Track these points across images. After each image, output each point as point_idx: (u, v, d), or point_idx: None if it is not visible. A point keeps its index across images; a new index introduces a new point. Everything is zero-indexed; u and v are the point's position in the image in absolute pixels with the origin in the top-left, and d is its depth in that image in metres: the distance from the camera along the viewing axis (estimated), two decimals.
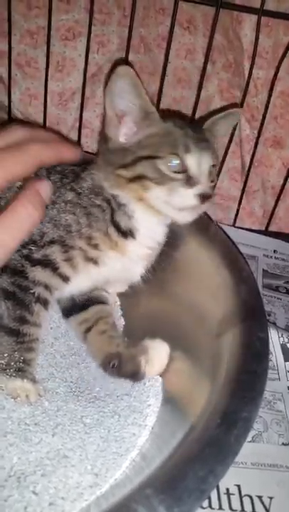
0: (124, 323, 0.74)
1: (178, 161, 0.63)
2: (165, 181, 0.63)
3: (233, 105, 0.90)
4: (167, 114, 0.69)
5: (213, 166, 0.66)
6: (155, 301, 0.70)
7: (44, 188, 0.53)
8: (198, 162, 0.64)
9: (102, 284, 0.71)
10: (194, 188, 0.63)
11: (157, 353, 0.62)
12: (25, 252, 0.63)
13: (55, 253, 0.63)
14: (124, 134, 0.66)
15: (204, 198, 0.62)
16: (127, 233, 0.66)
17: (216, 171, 0.69)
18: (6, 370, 0.58)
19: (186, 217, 0.65)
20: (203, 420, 0.46)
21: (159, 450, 0.49)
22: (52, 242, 0.63)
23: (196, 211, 0.64)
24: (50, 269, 0.63)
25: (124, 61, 0.85)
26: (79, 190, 0.66)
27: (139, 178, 0.65)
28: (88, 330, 0.68)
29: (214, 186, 0.68)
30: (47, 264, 0.63)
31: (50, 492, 0.46)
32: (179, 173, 0.63)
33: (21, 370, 0.59)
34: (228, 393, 0.47)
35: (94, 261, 0.65)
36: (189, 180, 0.63)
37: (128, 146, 0.66)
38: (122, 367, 0.62)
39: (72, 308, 0.71)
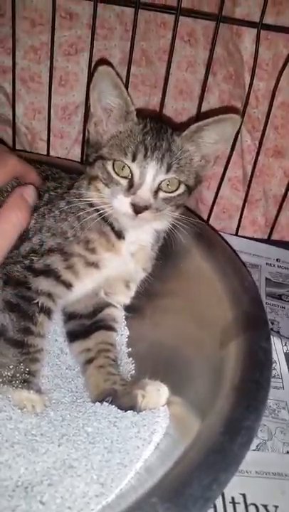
0: (128, 333, 0.74)
1: (123, 166, 0.64)
2: (111, 184, 0.65)
3: (234, 110, 0.91)
4: (156, 117, 0.71)
5: (175, 179, 0.64)
6: (158, 313, 0.71)
7: (28, 192, 0.58)
8: (141, 172, 0.63)
9: (105, 288, 0.72)
10: (130, 197, 0.63)
11: (155, 391, 0.60)
12: (27, 262, 0.64)
13: (55, 262, 0.64)
14: (102, 130, 0.67)
15: (138, 208, 0.62)
16: (120, 234, 0.67)
17: (180, 184, 0.66)
18: (12, 381, 0.59)
19: (128, 224, 0.66)
20: (207, 429, 0.46)
21: (163, 464, 0.50)
22: (51, 250, 0.64)
23: (137, 221, 0.64)
24: (52, 278, 0.64)
25: (127, 72, 0.86)
26: (68, 198, 0.68)
27: (94, 178, 0.67)
28: (89, 361, 0.67)
29: (174, 201, 0.66)
30: (49, 273, 0.64)
31: (57, 502, 0.47)
32: (126, 178, 0.64)
33: (27, 381, 0.60)
34: (231, 402, 0.47)
35: (95, 265, 0.66)
36: (129, 188, 0.63)
37: (99, 144, 0.67)
38: (118, 402, 0.60)
39: (78, 332, 0.71)
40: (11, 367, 0.60)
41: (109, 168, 0.64)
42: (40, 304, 0.63)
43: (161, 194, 0.64)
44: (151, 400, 0.59)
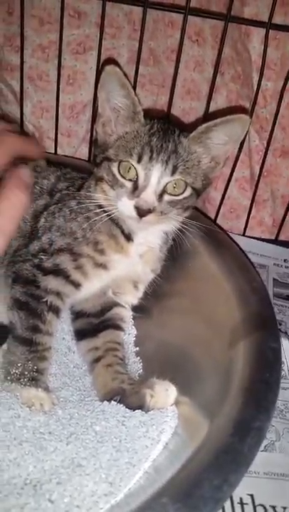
0: (136, 332, 0.74)
1: (129, 168, 0.63)
2: (115, 186, 0.64)
3: (242, 110, 0.90)
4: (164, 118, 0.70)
5: (181, 181, 0.63)
6: (166, 313, 0.71)
7: (24, 173, 0.55)
8: (146, 174, 0.62)
9: (113, 288, 0.71)
10: (134, 200, 0.62)
11: (164, 391, 0.59)
12: (36, 261, 0.64)
13: (65, 262, 0.64)
14: (110, 131, 0.67)
15: (142, 212, 0.61)
16: (129, 236, 0.67)
17: (187, 186, 0.64)
18: (20, 379, 0.59)
19: (134, 226, 0.66)
20: (216, 430, 0.46)
21: (171, 464, 0.50)
22: (60, 250, 0.65)
23: (142, 223, 0.63)
24: (62, 277, 0.65)
25: (135, 72, 0.86)
26: (78, 198, 0.67)
27: (100, 180, 0.67)
28: (97, 360, 0.67)
29: (181, 204, 0.64)
30: (58, 272, 0.64)
31: (66, 500, 0.47)
32: (131, 180, 0.63)
33: (35, 379, 0.60)
34: (241, 403, 0.47)
35: (103, 266, 0.66)
36: (134, 191, 0.62)
37: (107, 144, 0.66)
38: (126, 401, 0.60)
39: (86, 330, 0.71)
40: (19, 365, 0.60)
41: (115, 170, 0.64)
42: (48, 303, 0.63)
43: (167, 197, 0.63)
44: (160, 400, 0.59)
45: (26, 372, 0.60)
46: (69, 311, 0.73)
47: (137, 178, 0.63)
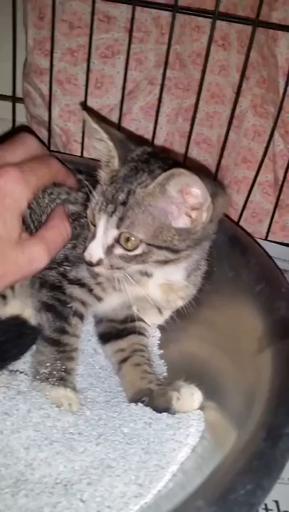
0: (159, 335, 0.75)
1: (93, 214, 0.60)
2: (90, 227, 0.62)
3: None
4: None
5: (132, 236, 0.57)
6: (189, 318, 0.69)
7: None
8: (97, 224, 0.59)
9: (138, 306, 0.70)
10: (88, 245, 0.59)
11: (189, 394, 0.59)
12: (61, 270, 0.65)
13: (86, 278, 0.65)
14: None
15: (88, 262, 0.59)
16: (146, 272, 0.65)
17: (141, 242, 0.57)
18: (48, 379, 0.60)
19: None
20: (247, 435, 0.46)
21: (199, 468, 0.50)
22: (81, 261, 0.64)
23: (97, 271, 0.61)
24: (86, 289, 0.66)
25: (162, 76, 0.87)
26: None
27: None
28: (124, 360, 0.67)
29: (137, 260, 0.59)
30: (82, 285, 0.65)
31: (97, 500, 0.48)
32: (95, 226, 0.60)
33: (63, 379, 0.61)
34: (271, 409, 0.48)
35: (119, 289, 0.65)
36: (91, 237, 0.60)
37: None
38: (154, 403, 0.60)
39: (110, 334, 0.71)
40: (48, 364, 0.61)
41: (88, 212, 0.62)
42: (73, 308, 0.65)
43: (118, 251, 0.58)
44: (185, 403, 0.59)
45: (55, 372, 0.61)
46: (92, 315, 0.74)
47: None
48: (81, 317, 0.66)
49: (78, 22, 0.87)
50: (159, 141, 0.96)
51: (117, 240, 0.58)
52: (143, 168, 0.60)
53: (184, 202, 0.57)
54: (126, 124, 0.95)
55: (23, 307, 0.69)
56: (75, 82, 0.91)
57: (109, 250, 0.59)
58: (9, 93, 0.94)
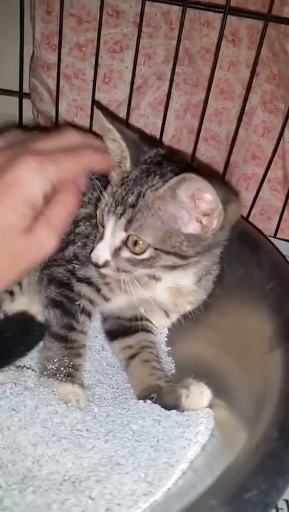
0: (167, 332, 0.74)
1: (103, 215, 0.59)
2: (99, 227, 0.61)
3: None
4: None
5: (139, 239, 0.56)
6: (201, 318, 0.69)
7: (81, 181, 0.55)
8: (105, 225, 0.58)
9: (145, 307, 0.70)
10: (96, 246, 0.59)
11: (198, 392, 0.59)
12: (70, 267, 0.65)
13: (94, 277, 0.65)
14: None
15: (95, 263, 0.59)
16: (154, 276, 0.64)
17: (149, 246, 0.57)
18: (56, 374, 0.60)
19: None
20: (259, 434, 0.46)
21: (210, 466, 0.50)
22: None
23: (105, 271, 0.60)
24: (94, 288, 0.65)
25: (172, 71, 0.86)
26: None
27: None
28: (132, 357, 0.67)
29: (144, 264, 0.58)
30: (90, 284, 0.65)
31: (106, 498, 0.47)
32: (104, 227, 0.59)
33: (70, 375, 0.61)
34: (283, 408, 0.47)
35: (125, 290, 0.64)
36: (100, 239, 0.59)
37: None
38: (162, 399, 0.60)
39: (117, 331, 0.70)
40: (55, 360, 0.61)
41: (98, 212, 0.61)
42: (81, 306, 0.64)
43: (125, 254, 0.58)
44: (194, 401, 0.59)
45: (62, 368, 0.61)
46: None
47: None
48: (89, 315, 0.66)
49: (87, 16, 0.86)
50: (167, 137, 0.96)
51: (125, 243, 0.57)
52: (155, 170, 0.59)
53: (194, 207, 0.56)
54: (134, 119, 0.94)
55: (30, 303, 0.69)
56: (83, 77, 0.90)
57: (116, 252, 0.58)
58: (16, 88, 0.93)
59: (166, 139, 0.96)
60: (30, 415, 0.54)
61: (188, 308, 0.68)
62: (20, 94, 0.94)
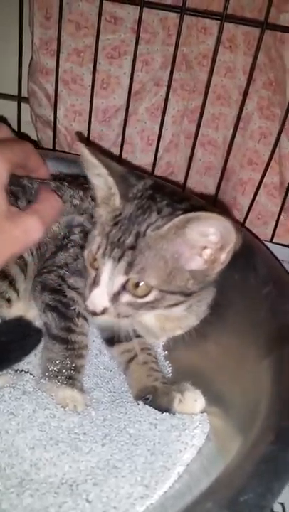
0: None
1: (95, 258, 0.56)
2: (89, 270, 0.58)
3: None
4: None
5: (134, 282, 0.54)
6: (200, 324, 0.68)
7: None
8: (100, 270, 0.55)
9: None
10: (90, 294, 0.56)
11: (192, 400, 0.59)
12: (61, 272, 0.65)
13: (83, 289, 0.64)
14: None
15: (92, 312, 0.56)
16: None
17: (152, 289, 0.54)
18: (57, 376, 0.60)
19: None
20: (255, 438, 0.46)
21: (205, 470, 0.50)
22: (79, 273, 0.64)
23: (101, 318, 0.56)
24: (83, 298, 0.63)
25: (169, 77, 0.87)
26: None
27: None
28: (131, 360, 0.67)
29: (147, 307, 0.55)
30: (79, 293, 0.65)
31: (103, 501, 0.47)
32: (95, 270, 0.56)
33: (72, 377, 0.61)
34: (279, 412, 0.48)
35: None
36: (92, 284, 0.56)
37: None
38: (157, 401, 0.60)
39: (115, 338, 0.70)
40: (57, 362, 0.61)
41: (85, 254, 0.58)
42: (76, 310, 0.64)
43: (126, 298, 0.55)
44: (186, 408, 0.59)
45: (64, 370, 0.60)
46: None
47: (98, 271, 0.56)
48: (85, 318, 0.66)
49: (85, 22, 0.87)
50: (164, 142, 0.96)
51: (124, 286, 0.54)
52: (150, 206, 0.56)
53: (206, 244, 0.54)
54: (131, 124, 0.95)
55: (27, 309, 0.69)
56: (81, 82, 0.91)
57: (115, 298, 0.55)
58: (14, 93, 0.94)
59: (164, 145, 0.97)
60: (28, 419, 0.54)
61: (178, 332, 0.67)
62: (19, 99, 0.95)
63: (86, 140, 0.94)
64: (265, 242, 0.97)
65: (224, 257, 0.55)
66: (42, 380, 0.60)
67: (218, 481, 0.43)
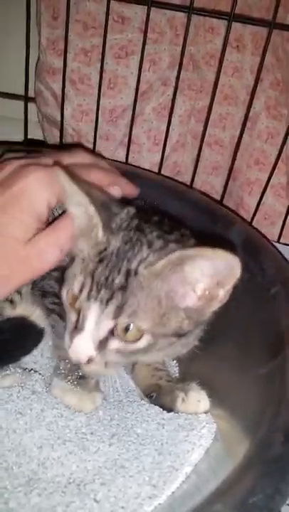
0: None
1: (76, 297, 0.50)
2: (69, 311, 0.52)
3: None
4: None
5: (123, 327, 0.48)
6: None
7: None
8: (84, 314, 0.49)
9: None
10: (72, 341, 0.50)
11: (195, 400, 0.58)
12: (55, 274, 0.64)
13: None
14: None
15: (75, 361, 0.50)
16: None
17: (144, 333, 0.49)
18: (68, 376, 0.60)
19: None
20: (264, 439, 0.46)
21: (213, 470, 0.50)
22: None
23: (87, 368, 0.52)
24: None
25: (176, 77, 0.87)
26: None
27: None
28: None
29: (141, 353, 0.51)
30: None
31: (111, 501, 0.47)
32: (77, 312, 0.51)
33: (82, 377, 0.60)
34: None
35: None
36: (74, 329, 0.50)
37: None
38: (160, 399, 0.60)
39: None
40: (66, 361, 0.60)
41: (64, 293, 0.52)
42: None
43: (114, 344, 0.49)
44: (189, 407, 0.59)
45: (74, 369, 0.60)
46: None
47: (79, 313, 0.50)
48: None
49: (92, 22, 0.87)
50: (171, 142, 0.96)
51: (112, 332, 0.49)
52: (139, 239, 0.51)
53: (203, 281, 0.49)
54: (138, 124, 0.95)
55: (30, 310, 0.69)
56: (88, 82, 0.91)
57: (102, 345, 0.49)
58: (21, 92, 0.94)
59: (170, 144, 0.97)
60: (36, 418, 0.55)
61: (163, 359, 0.67)
62: (26, 99, 0.94)
63: (93, 140, 0.94)
64: (273, 242, 0.96)
65: (223, 294, 0.51)
66: (55, 378, 0.59)
67: (227, 481, 0.42)
